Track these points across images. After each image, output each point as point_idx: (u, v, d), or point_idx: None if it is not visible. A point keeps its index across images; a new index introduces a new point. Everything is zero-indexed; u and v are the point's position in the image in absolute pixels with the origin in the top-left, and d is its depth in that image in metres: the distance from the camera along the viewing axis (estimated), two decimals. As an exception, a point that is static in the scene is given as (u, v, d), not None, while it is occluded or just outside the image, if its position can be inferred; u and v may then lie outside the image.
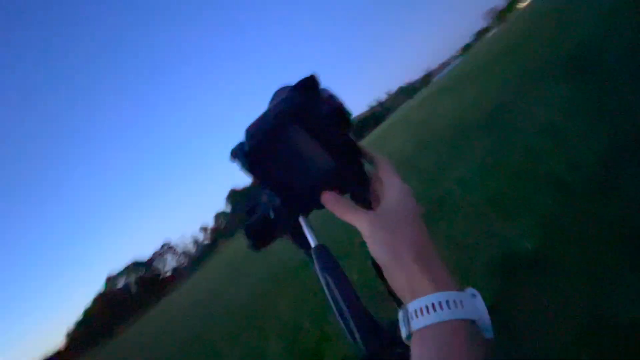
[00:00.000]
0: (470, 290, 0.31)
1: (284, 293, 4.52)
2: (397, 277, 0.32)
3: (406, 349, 0.31)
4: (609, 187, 2.01)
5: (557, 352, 1.39)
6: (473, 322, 0.29)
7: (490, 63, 10.27)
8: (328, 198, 0.38)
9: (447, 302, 0.29)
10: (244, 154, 0.36)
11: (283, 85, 0.41)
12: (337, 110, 0.38)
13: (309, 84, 0.37)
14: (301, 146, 0.37)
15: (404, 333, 0.30)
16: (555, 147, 2.83)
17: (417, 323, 0.29)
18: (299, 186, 0.39)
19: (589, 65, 3.90)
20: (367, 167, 0.41)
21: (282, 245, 0.47)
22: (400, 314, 0.31)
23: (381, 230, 0.34)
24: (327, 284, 0.35)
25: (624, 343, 1.28)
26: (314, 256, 0.38)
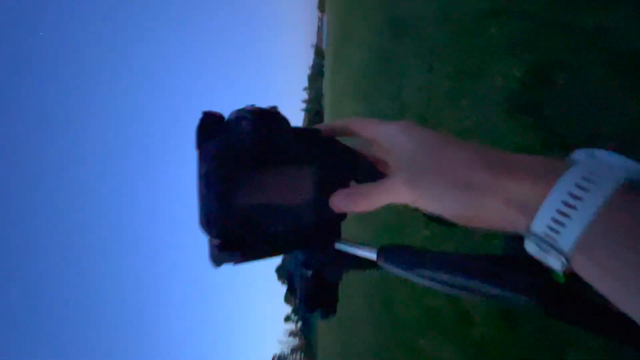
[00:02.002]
0: (580, 153, 0.22)
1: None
2: (488, 208, 0.23)
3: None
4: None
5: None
6: (629, 180, 0.19)
7: (347, 10, 10.56)
8: (338, 200, 0.30)
9: (579, 185, 0.19)
10: (227, 248, 0.28)
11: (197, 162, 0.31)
12: (257, 114, 0.28)
13: (208, 123, 0.28)
14: (266, 183, 0.29)
15: (557, 263, 0.20)
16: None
17: (567, 236, 0.19)
18: (304, 220, 0.31)
19: None
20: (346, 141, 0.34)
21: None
22: (530, 246, 0.21)
23: (424, 175, 0.25)
24: (425, 276, 0.27)
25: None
26: (384, 266, 0.30)
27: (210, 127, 0.28)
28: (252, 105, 0.29)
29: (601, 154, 0.21)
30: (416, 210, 0.28)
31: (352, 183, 0.33)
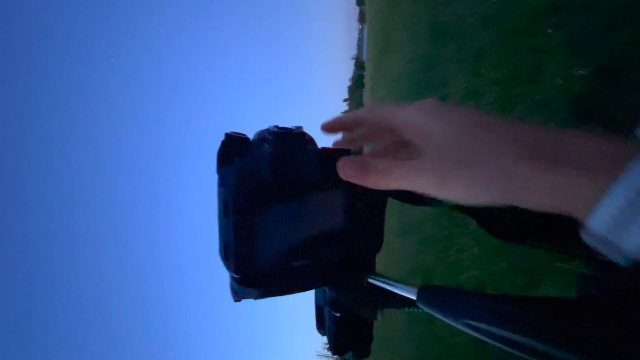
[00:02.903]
0: None
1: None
2: (530, 200, 0.19)
3: None
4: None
5: None
6: None
7: (388, 19, 10.53)
8: (346, 166, 0.25)
9: None
10: (247, 283, 0.26)
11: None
12: (279, 137, 0.26)
13: (230, 146, 0.26)
14: (288, 213, 0.26)
15: (618, 258, 0.17)
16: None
17: (632, 239, 0.16)
18: (332, 252, 0.28)
19: None
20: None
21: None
22: (585, 237, 0.18)
23: (453, 163, 0.21)
24: (476, 329, 0.22)
25: None
26: (425, 309, 0.26)
27: (232, 149, 0.26)
28: (275, 126, 0.27)
29: None
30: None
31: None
